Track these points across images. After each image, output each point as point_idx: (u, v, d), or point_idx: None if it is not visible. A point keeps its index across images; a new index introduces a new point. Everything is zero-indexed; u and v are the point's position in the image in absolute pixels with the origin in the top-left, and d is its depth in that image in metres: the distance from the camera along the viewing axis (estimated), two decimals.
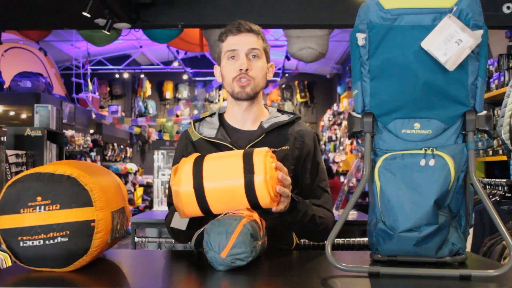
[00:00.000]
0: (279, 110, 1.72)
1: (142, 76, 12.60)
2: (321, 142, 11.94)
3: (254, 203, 1.31)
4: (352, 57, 1.27)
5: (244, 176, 1.28)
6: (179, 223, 1.43)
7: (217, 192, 1.30)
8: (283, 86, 13.07)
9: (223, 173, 1.32)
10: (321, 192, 1.65)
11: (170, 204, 1.64)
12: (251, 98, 1.62)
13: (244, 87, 1.59)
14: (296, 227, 1.55)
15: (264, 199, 1.30)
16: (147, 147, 12.84)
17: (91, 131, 8.66)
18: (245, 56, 1.59)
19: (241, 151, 1.36)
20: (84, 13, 3.97)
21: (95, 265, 1.27)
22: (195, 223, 1.56)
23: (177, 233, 1.58)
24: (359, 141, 1.32)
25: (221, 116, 1.70)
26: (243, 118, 1.66)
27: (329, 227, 1.58)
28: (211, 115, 1.70)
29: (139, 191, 11.08)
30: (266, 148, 1.37)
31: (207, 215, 1.34)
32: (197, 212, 1.33)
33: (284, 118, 1.67)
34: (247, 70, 1.58)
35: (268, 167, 1.31)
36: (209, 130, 1.65)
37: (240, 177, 1.28)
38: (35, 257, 1.18)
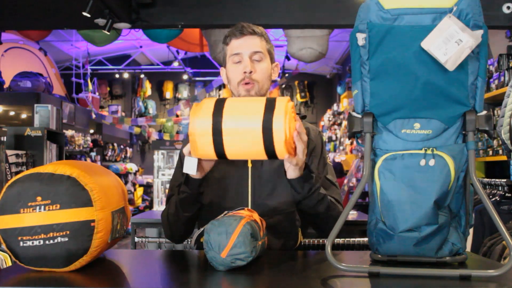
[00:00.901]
0: None
1: (142, 76, 12.60)
2: None
3: (269, 142, 1.26)
4: (352, 57, 1.27)
5: (264, 112, 1.26)
6: (190, 167, 1.39)
7: (234, 124, 1.27)
8: (283, 86, 13.07)
9: (244, 109, 1.30)
10: (329, 185, 1.66)
11: (169, 197, 1.65)
12: None
13: (249, 90, 1.61)
14: (311, 204, 1.53)
15: (279, 139, 1.26)
16: (147, 147, 12.84)
17: (91, 131, 8.66)
18: (248, 59, 1.61)
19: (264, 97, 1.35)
20: (84, 13, 3.98)
21: (95, 265, 1.27)
22: (191, 221, 1.57)
23: (171, 222, 1.59)
24: (359, 141, 1.32)
25: None
26: None
27: (338, 216, 1.58)
28: None
29: (139, 191, 11.08)
30: (287, 97, 1.35)
31: (220, 156, 1.31)
32: (210, 146, 1.28)
33: None
34: (251, 72, 1.59)
35: (289, 111, 1.29)
36: None
37: (260, 113, 1.26)
38: (35, 257, 1.18)
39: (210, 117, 1.28)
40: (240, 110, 1.31)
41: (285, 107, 1.28)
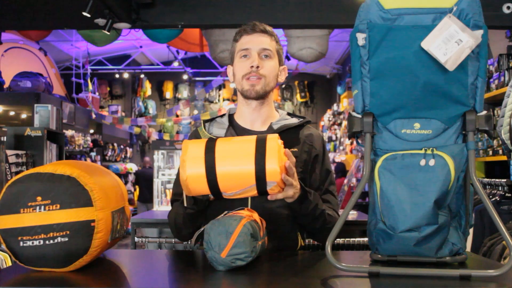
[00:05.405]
0: (289, 114, 1.72)
1: (142, 76, 12.61)
2: None
3: (262, 187, 1.32)
4: (352, 57, 1.27)
5: (255, 163, 1.30)
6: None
7: (228, 176, 1.31)
8: (283, 86, 13.07)
9: (236, 158, 1.33)
10: (330, 196, 1.67)
11: (173, 201, 1.64)
12: (261, 97, 1.62)
13: (254, 85, 1.59)
14: (307, 221, 1.56)
15: (272, 182, 1.32)
16: (147, 147, 12.85)
17: (91, 131, 8.67)
18: (257, 54, 1.60)
19: (254, 136, 1.36)
20: (84, 13, 3.98)
21: (95, 265, 1.27)
22: (197, 220, 1.57)
23: (180, 229, 1.59)
24: (359, 141, 1.32)
25: (231, 117, 1.71)
26: (253, 118, 1.66)
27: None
28: (222, 115, 1.71)
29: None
30: (276, 135, 1.37)
31: (216, 196, 1.36)
32: (205, 192, 1.35)
33: (294, 121, 1.67)
34: (258, 67, 1.58)
35: (281, 154, 1.33)
36: (219, 130, 1.66)
37: (251, 163, 1.30)
38: (35, 257, 1.18)
39: (203, 166, 1.30)
40: (232, 160, 1.32)
41: (277, 151, 1.31)
